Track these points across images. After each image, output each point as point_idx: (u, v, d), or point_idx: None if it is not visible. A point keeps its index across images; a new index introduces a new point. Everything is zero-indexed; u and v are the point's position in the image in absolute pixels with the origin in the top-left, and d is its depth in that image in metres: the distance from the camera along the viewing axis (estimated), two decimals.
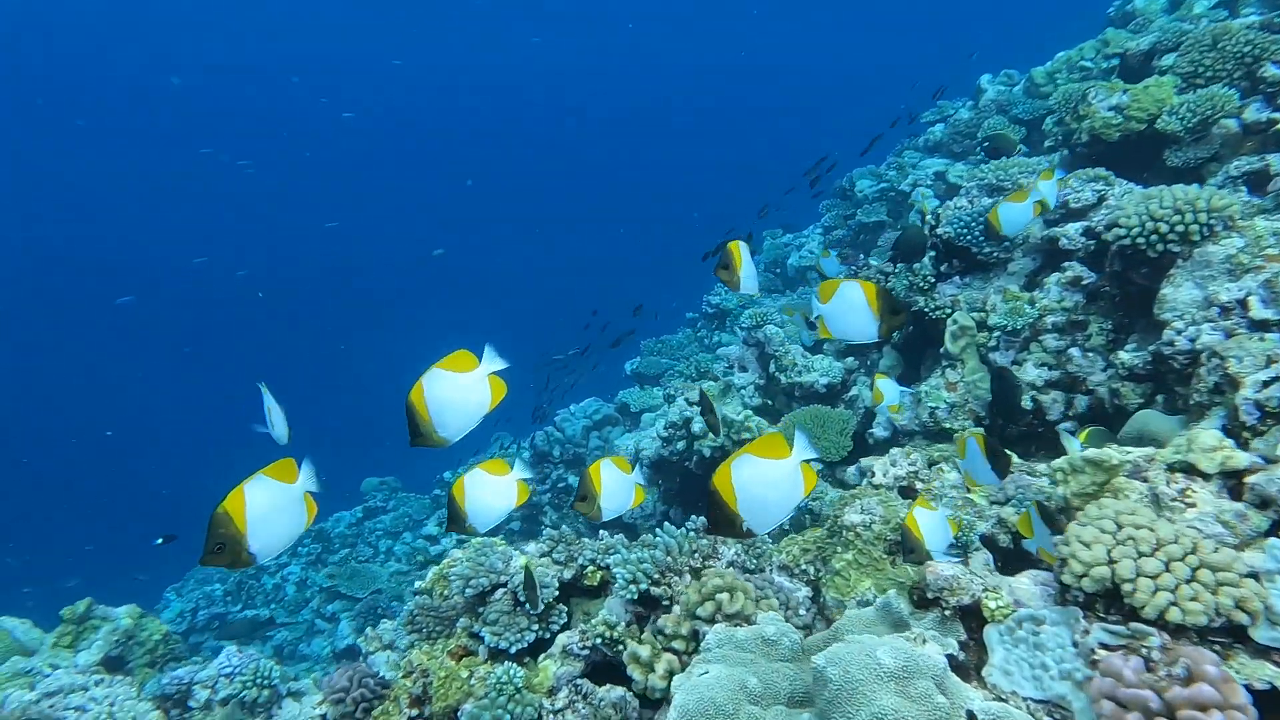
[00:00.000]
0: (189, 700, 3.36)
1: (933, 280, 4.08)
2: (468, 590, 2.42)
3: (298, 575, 9.44)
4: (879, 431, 3.93)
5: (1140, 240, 2.85)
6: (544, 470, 7.12)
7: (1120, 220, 2.92)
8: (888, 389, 3.31)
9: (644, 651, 1.69)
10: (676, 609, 1.77)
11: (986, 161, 4.41)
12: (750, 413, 4.73)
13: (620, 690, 2.14)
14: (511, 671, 2.13)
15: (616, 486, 1.81)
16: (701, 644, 1.57)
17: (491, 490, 1.74)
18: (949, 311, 3.86)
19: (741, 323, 5.24)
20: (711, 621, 1.69)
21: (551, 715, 2.10)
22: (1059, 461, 2.15)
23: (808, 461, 1.40)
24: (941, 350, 3.71)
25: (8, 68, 26.91)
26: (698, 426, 4.72)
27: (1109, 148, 4.08)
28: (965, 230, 3.67)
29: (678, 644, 1.69)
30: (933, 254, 4.08)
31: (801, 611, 2.18)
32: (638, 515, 6.13)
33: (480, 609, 2.44)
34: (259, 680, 3.28)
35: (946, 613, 1.62)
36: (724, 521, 1.39)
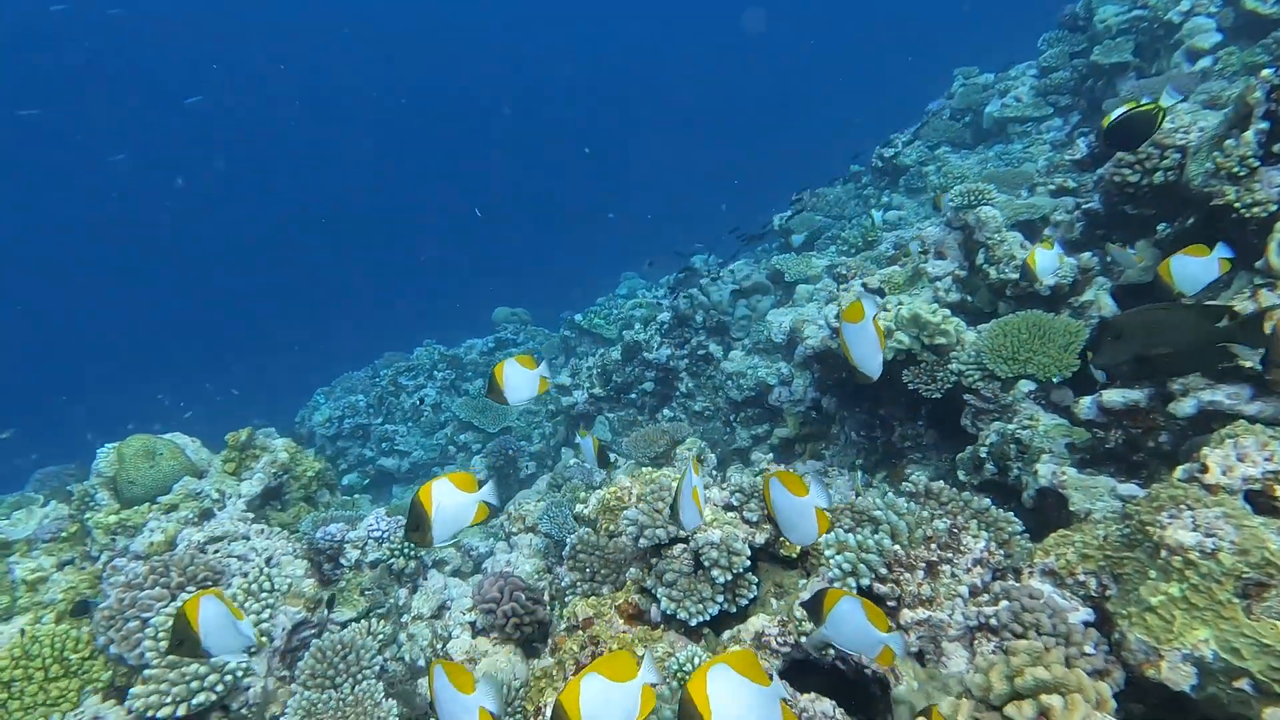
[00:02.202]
0: (340, 557, 3.41)
1: (1255, 162, 2.95)
2: (642, 540, 2.04)
3: (433, 398, 9.89)
4: None
5: None
6: (684, 335, 6.68)
7: None
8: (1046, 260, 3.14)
9: None
10: (971, 693, 1.28)
11: None
12: (947, 312, 3.92)
13: (830, 703, 1.74)
14: (696, 659, 1.77)
15: (454, 510, 1.67)
16: None
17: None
18: (1275, 208, 2.80)
19: (948, 201, 4.24)
20: None
21: None
22: None
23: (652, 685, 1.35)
24: (1258, 263, 2.72)
25: None
26: (883, 323, 3.99)
27: None
28: None
29: None
30: (1266, 125, 2.91)
31: (1088, 649, 1.64)
32: (786, 399, 5.64)
33: (654, 560, 2.07)
34: (406, 552, 3.23)
35: None
36: None
